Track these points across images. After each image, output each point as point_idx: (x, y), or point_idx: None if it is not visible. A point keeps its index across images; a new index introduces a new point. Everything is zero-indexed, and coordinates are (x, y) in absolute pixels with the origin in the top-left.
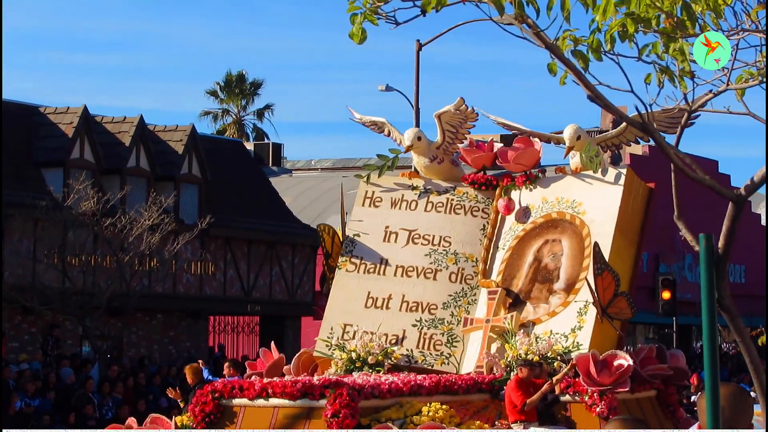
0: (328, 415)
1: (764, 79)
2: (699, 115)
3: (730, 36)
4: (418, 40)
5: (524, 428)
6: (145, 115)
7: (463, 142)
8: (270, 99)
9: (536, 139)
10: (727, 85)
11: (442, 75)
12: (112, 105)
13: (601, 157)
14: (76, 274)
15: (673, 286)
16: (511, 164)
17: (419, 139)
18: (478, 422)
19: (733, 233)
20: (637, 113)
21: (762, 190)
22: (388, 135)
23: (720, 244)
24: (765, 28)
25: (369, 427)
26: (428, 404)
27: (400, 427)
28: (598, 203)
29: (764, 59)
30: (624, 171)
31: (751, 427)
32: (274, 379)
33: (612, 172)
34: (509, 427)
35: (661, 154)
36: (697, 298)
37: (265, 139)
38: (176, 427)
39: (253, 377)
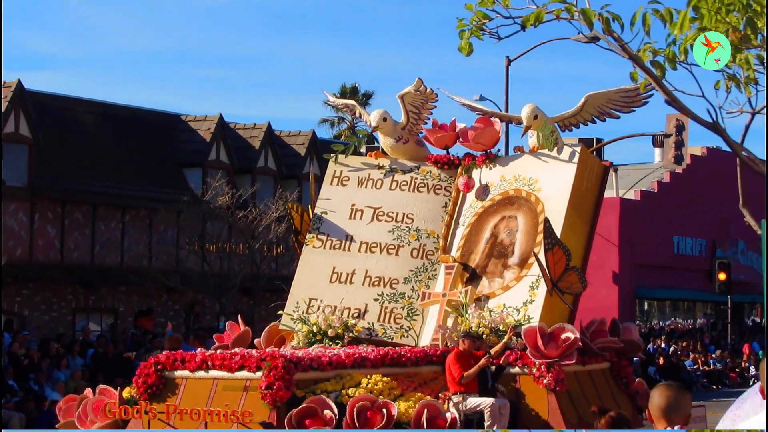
0: (263, 387)
1: None
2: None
3: None
4: (508, 57)
5: (463, 399)
6: (272, 122)
7: (426, 123)
8: (379, 107)
9: (496, 119)
10: None
11: (529, 87)
12: (243, 114)
13: (557, 135)
14: (213, 259)
15: (728, 269)
16: (472, 144)
17: (385, 120)
18: (419, 393)
19: None
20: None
21: None
22: (360, 117)
23: None
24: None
25: (304, 398)
26: (369, 376)
27: (335, 399)
28: (552, 180)
29: None
30: (578, 149)
31: None
32: (217, 351)
33: (567, 150)
34: (450, 399)
35: (718, 155)
36: (749, 279)
37: (375, 142)
38: (121, 399)
39: (199, 350)
